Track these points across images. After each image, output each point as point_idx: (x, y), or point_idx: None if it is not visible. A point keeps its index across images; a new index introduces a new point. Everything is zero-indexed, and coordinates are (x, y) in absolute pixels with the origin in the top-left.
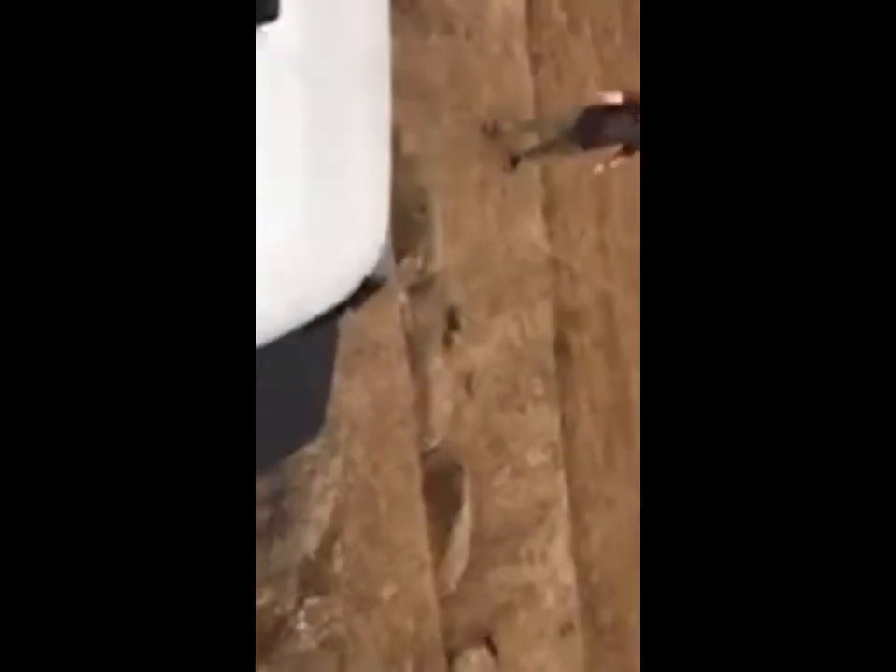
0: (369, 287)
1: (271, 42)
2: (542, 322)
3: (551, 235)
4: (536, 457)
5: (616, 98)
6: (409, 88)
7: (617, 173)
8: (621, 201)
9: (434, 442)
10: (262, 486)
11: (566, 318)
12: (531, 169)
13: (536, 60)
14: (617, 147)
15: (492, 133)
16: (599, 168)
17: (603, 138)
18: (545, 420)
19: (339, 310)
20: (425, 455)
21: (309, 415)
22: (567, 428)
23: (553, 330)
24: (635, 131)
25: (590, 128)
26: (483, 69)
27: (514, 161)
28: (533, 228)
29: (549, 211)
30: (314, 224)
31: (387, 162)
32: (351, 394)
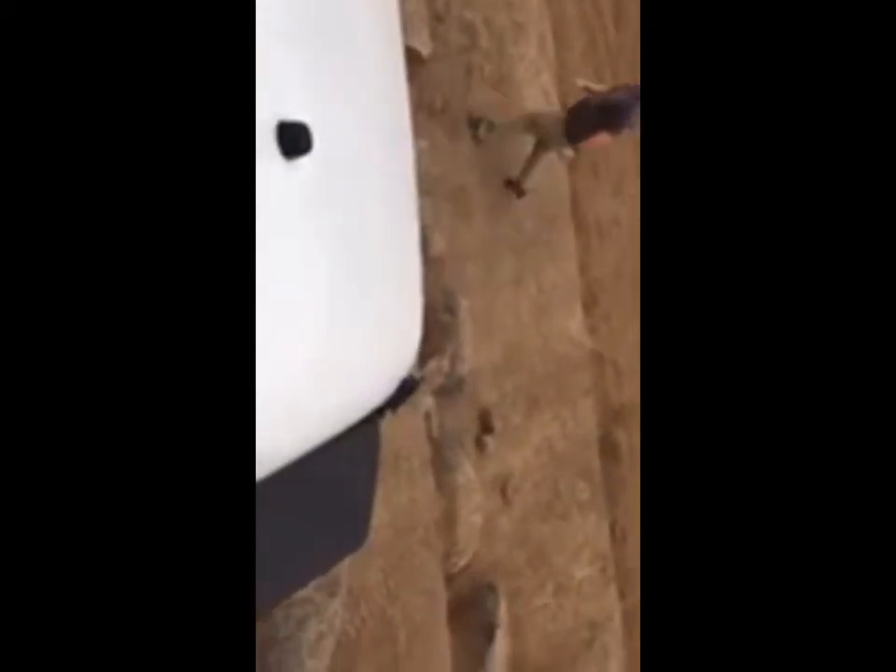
0: (406, 389)
1: (301, 171)
2: (585, 421)
3: (592, 329)
4: (582, 571)
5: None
6: (438, 188)
7: None
8: None
9: (462, 561)
10: None
11: (611, 416)
12: (568, 264)
13: (571, 157)
14: (604, 136)
15: (476, 126)
16: (569, 153)
17: (590, 130)
18: (591, 528)
19: (379, 413)
20: (451, 577)
21: (353, 522)
22: (618, 537)
23: (598, 429)
24: (630, 118)
25: (579, 123)
26: (515, 168)
27: (517, 188)
28: (572, 323)
29: (589, 305)
30: (348, 330)
31: (418, 262)
32: None
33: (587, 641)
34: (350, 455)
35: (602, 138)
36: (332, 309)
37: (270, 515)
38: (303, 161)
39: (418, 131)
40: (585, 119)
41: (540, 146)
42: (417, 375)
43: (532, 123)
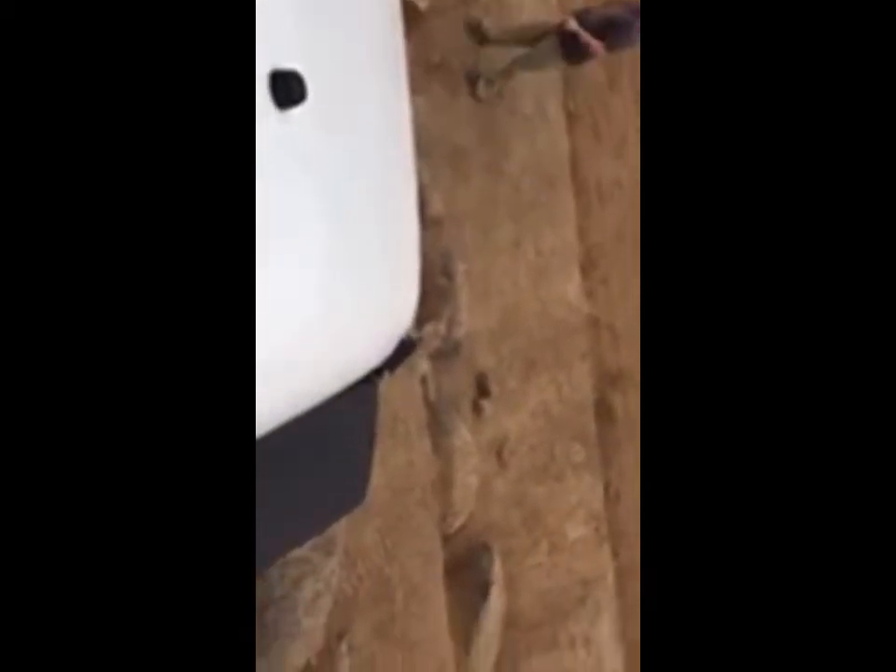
0: (404, 349)
1: (295, 123)
2: (582, 385)
3: (590, 294)
4: (576, 530)
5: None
6: (436, 148)
7: None
8: None
9: (458, 522)
10: None
11: (607, 380)
12: (567, 227)
13: (572, 118)
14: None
15: (474, 83)
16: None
17: (587, 51)
18: (586, 489)
19: (377, 373)
20: (447, 538)
21: (353, 480)
22: (611, 497)
23: (594, 393)
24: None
25: (573, 42)
26: (515, 128)
27: (474, 83)
28: (570, 287)
29: (588, 269)
30: (345, 289)
31: (415, 220)
32: None
33: (580, 598)
34: (349, 414)
35: (595, 44)
36: (328, 266)
37: (268, 473)
38: (297, 111)
39: (415, 87)
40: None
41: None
42: (415, 337)
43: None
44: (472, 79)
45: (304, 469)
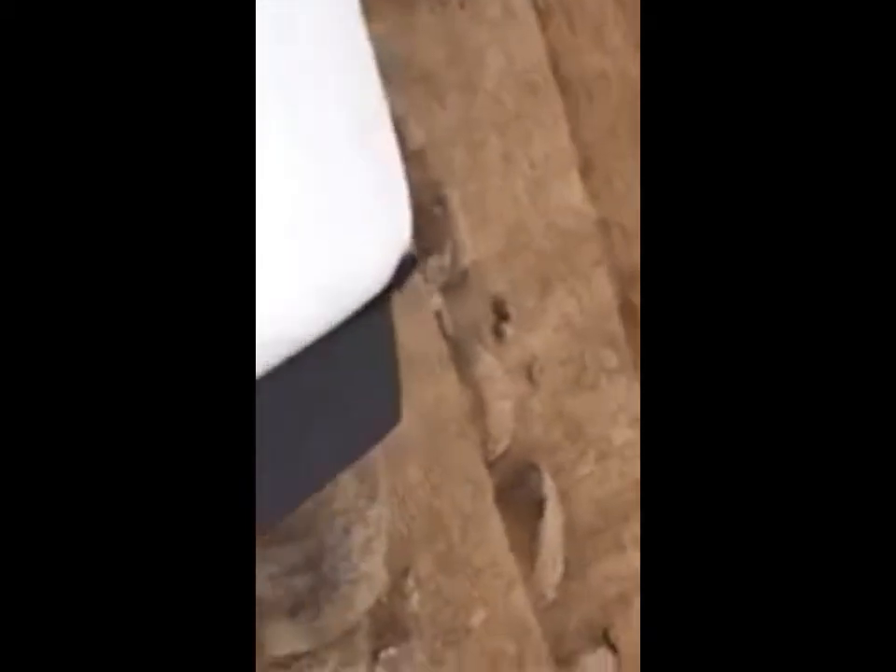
0: (406, 266)
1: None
2: (601, 290)
3: (594, 196)
4: (622, 434)
5: None
6: (404, 73)
7: None
8: None
9: (500, 447)
10: (296, 553)
11: (627, 280)
12: (557, 131)
13: (543, 15)
14: None
15: None
16: None
17: None
18: (623, 392)
19: (386, 292)
20: (492, 464)
21: (383, 402)
22: None
23: (615, 297)
24: None
25: None
26: (484, 37)
27: None
28: (572, 193)
29: (587, 171)
30: (329, 210)
31: (393, 139)
32: None
33: (635, 499)
34: (364, 338)
35: None
36: (302, 193)
37: (291, 405)
38: None
39: (370, 13)
40: None
41: None
42: (419, 264)
43: None
44: None
45: (330, 394)
